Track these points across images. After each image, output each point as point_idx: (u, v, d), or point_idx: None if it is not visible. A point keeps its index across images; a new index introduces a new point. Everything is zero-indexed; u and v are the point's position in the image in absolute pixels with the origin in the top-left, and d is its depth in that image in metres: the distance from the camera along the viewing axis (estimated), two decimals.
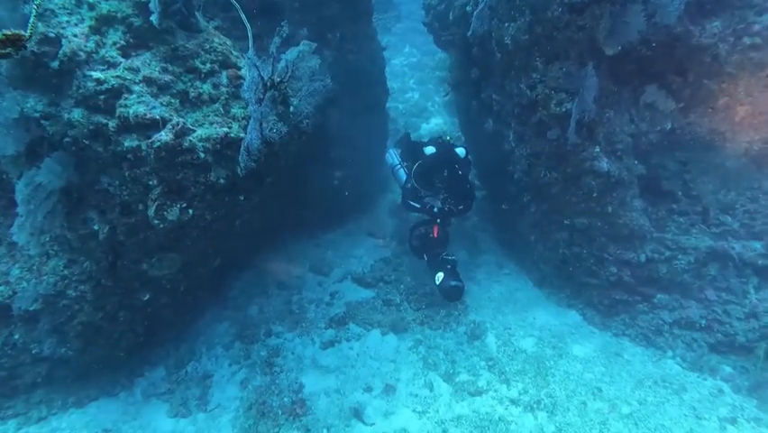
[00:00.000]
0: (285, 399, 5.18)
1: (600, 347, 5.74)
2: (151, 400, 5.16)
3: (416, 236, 6.60)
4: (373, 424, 4.98)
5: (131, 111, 3.70)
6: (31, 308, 4.39)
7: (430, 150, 6.45)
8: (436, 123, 12.18)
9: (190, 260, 4.85)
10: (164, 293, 4.93)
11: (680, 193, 5.43)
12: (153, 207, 3.96)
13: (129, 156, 3.83)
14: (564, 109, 5.06)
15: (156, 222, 4.01)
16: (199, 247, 4.83)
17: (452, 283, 5.77)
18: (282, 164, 4.98)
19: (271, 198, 5.57)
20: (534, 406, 5.08)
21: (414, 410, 5.10)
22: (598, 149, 5.11)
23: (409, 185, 6.53)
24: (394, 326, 6.08)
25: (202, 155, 3.91)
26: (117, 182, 3.96)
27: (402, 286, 6.69)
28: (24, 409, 4.84)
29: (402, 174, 6.94)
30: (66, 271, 4.42)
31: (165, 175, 3.93)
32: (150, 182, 3.94)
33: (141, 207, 4.08)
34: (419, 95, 13.55)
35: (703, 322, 5.43)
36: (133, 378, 5.30)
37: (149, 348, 5.42)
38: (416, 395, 5.27)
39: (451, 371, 5.52)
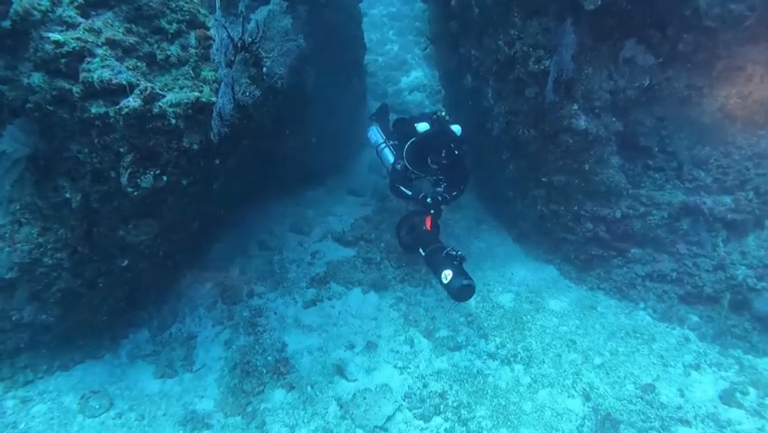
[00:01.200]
0: (269, 358, 5.30)
1: (576, 301, 5.92)
2: (137, 362, 5.23)
3: (407, 231, 5.87)
4: (356, 380, 5.14)
5: (95, 76, 3.55)
6: (7, 277, 4.34)
7: (423, 126, 5.82)
8: (416, 76, 11.97)
9: (168, 225, 4.81)
10: (143, 258, 4.90)
11: (656, 149, 5.46)
12: (126, 175, 3.88)
13: (97, 123, 3.71)
14: (542, 67, 5.01)
15: (129, 190, 3.94)
16: (176, 212, 4.78)
17: (465, 282, 4.81)
18: (258, 126, 4.88)
19: (249, 160, 5.50)
20: (511, 359, 5.28)
21: (395, 366, 5.27)
22: (576, 106, 5.09)
23: (399, 166, 5.87)
24: (374, 284, 6.17)
25: (173, 121, 3.80)
26: (86, 150, 3.85)
27: (382, 244, 6.74)
28: (10, 373, 4.87)
29: (388, 154, 6.25)
30: (40, 240, 4.34)
31: (136, 142, 3.83)
32: (121, 149, 3.83)
33: (113, 174, 3.99)
34: (399, 47, 13.23)
35: (674, 275, 5.61)
36: (118, 340, 5.34)
37: (131, 311, 5.44)
38: (397, 351, 5.43)
39: (431, 327, 5.67)
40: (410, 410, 4.86)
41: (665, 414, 4.72)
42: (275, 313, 5.81)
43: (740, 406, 4.78)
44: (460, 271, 4.87)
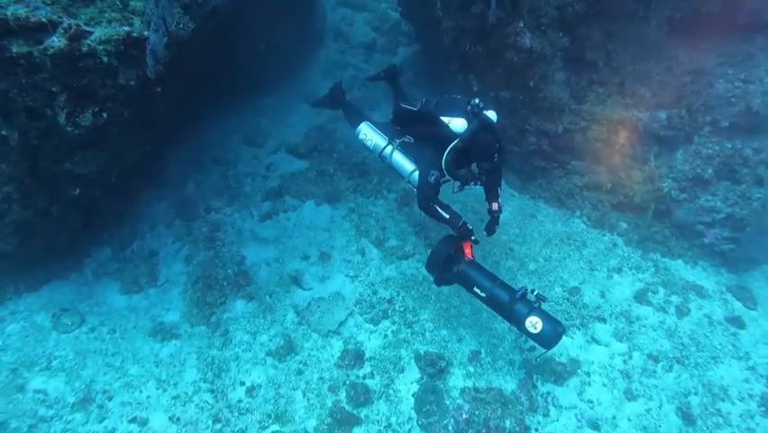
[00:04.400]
0: (228, 271, 5.64)
1: (518, 209, 6.32)
2: (102, 280, 5.50)
3: (444, 268, 4.51)
4: (311, 289, 5.57)
5: (8, 13, 3.35)
6: None
7: (460, 123, 4.36)
8: None
9: (115, 152, 4.82)
10: (94, 186, 4.94)
11: (601, 63, 5.54)
12: (63, 115, 3.82)
13: (21, 62, 3.57)
14: None
15: (69, 129, 3.90)
16: (123, 140, 4.76)
17: (561, 329, 4.14)
18: (197, 49, 4.72)
19: (194, 78, 5.36)
20: None
21: (347, 275, 5.70)
22: (521, 24, 5.04)
23: (433, 178, 4.49)
24: (328, 196, 6.40)
25: (105, 59, 3.67)
26: (15, 89, 3.74)
27: (335, 155, 6.86)
28: None
29: (403, 160, 4.76)
30: None
31: (68, 81, 3.72)
32: (54, 89, 3.74)
33: (49, 112, 3.92)
34: None
35: (609, 185, 5.99)
36: (81, 260, 5.55)
37: (91, 232, 5.60)
38: (349, 261, 5.83)
39: (381, 237, 6.04)
40: (361, 315, 5.38)
41: (585, 313, 5.37)
42: (232, 227, 6.06)
43: (649, 304, 5.45)
44: (546, 316, 4.16)
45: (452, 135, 4.37)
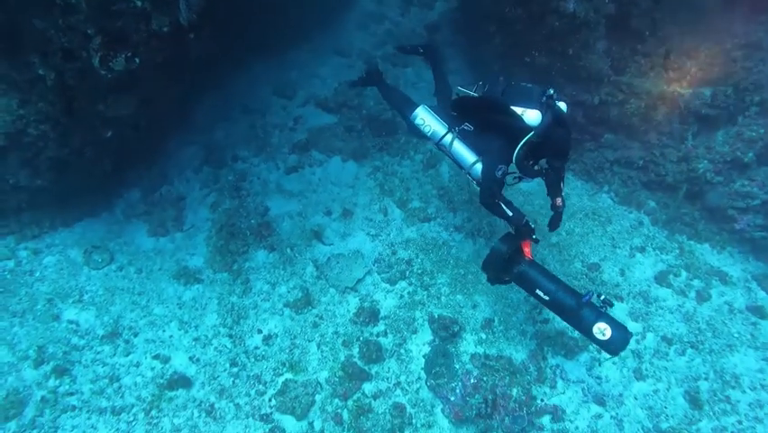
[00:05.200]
0: (252, 221, 5.76)
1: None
2: (132, 221, 5.70)
3: (503, 268, 4.20)
4: (331, 244, 5.66)
5: None
6: None
7: (535, 115, 3.94)
8: None
9: (147, 97, 4.87)
10: (126, 128, 5.04)
11: (647, 33, 5.26)
12: (97, 58, 3.86)
13: (58, 2, 3.60)
14: None
15: (102, 73, 3.95)
16: (154, 85, 4.81)
17: (629, 335, 3.90)
18: None
19: (227, 24, 5.32)
20: (475, 233, 5.74)
21: (368, 234, 5.76)
22: None
23: (500, 173, 4.09)
24: (354, 152, 6.39)
25: (139, 3, 3.68)
26: (52, 30, 3.79)
27: (364, 111, 6.79)
28: (18, 228, 5.34)
29: (464, 151, 4.29)
30: (21, 111, 4.45)
31: (103, 24, 3.75)
32: (89, 31, 3.77)
33: (84, 54, 3.97)
34: None
35: (641, 162, 5.82)
36: (112, 200, 5.75)
37: (122, 174, 5.75)
38: (371, 219, 5.88)
39: (405, 198, 6.04)
40: (378, 274, 5.46)
41: (603, 290, 5.34)
42: (258, 178, 6.14)
43: (669, 286, 5.39)
44: (614, 322, 3.92)
45: (524, 128, 3.95)
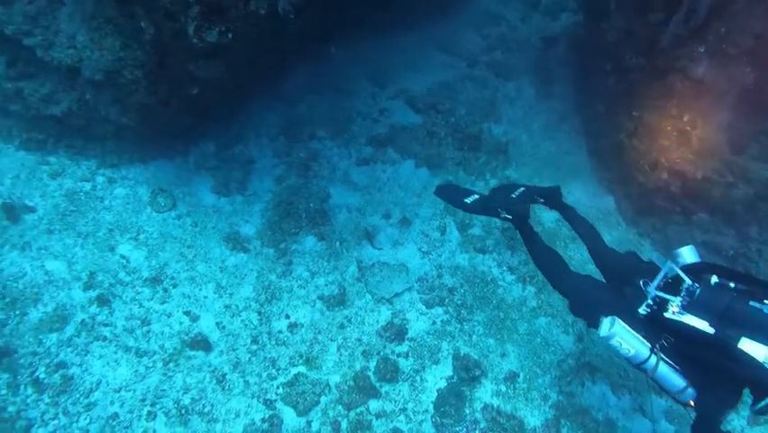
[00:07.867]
0: (311, 204, 5.74)
1: (618, 242, 5.74)
2: (201, 171, 5.84)
3: None
4: (380, 249, 5.58)
5: None
6: (95, 78, 4.79)
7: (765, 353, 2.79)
8: None
9: (236, 64, 4.90)
10: (212, 90, 5.13)
11: None
12: (192, 27, 3.91)
13: None
14: None
15: (195, 41, 3.99)
16: (245, 55, 4.82)
17: None
18: None
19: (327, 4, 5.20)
20: (527, 279, 5.45)
21: (419, 249, 5.61)
22: (702, 49, 4.21)
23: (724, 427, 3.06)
24: (429, 160, 6.18)
25: None
26: None
27: (452, 119, 6.52)
28: (101, 153, 5.64)
29: (673, 375, 3.15)
30: (122, 53, 4.61)
31: None
32: None
33: (182, 18, 4.01)
34: None
35: (731, 252, 5.22)
36: (188, 148, 5.92)
37: (202, 126, 5.88)
38: (427, 235, 5.72)
39: (466, 221, 5.81)
40: (418, 293, 5.34)
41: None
42: (328, 162, 6.10)
43: None
44: None
45: (755, 367, 2.81)
